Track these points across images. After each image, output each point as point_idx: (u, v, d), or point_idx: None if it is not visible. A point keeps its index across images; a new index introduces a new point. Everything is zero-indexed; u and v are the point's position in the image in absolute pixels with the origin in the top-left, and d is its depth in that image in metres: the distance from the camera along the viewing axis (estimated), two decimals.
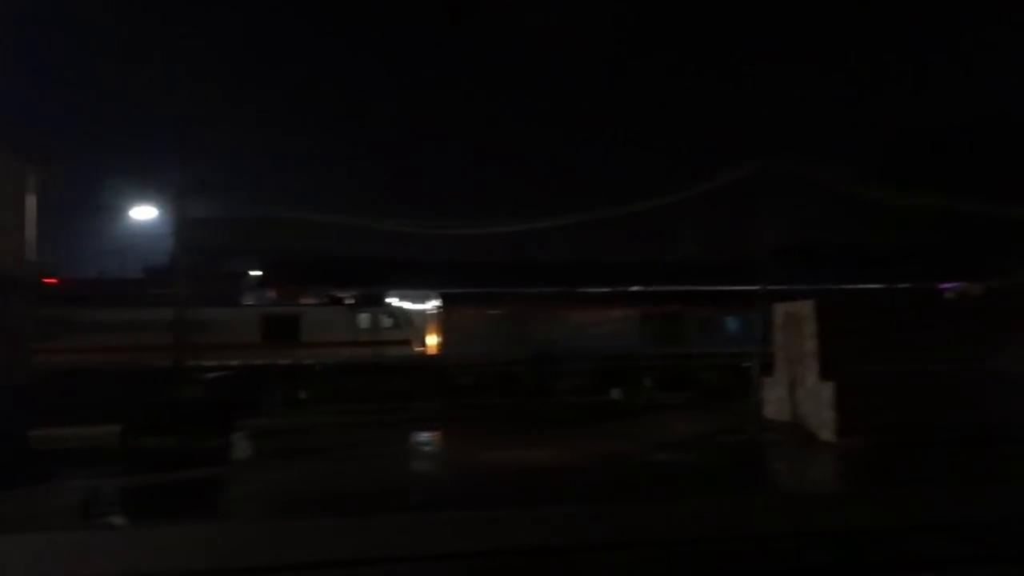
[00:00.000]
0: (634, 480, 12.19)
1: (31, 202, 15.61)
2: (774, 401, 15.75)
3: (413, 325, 26.09)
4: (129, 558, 8.08)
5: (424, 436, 17.40)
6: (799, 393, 15.05)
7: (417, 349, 25.60)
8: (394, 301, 26.66)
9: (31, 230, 15.61)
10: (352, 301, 25.81)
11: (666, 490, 11.58)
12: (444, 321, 25.64)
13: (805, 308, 15.16)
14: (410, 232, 16.55)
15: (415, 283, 28.11)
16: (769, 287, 15.78)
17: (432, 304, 26.66)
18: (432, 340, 26.24)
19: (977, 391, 14.46)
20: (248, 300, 27.36)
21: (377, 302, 25.76)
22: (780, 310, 15.93)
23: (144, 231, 22.77)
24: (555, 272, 29.47)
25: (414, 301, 28.10)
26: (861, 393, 14.18)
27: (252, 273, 29.04)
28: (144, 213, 20.78)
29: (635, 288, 29.28)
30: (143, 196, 20.31)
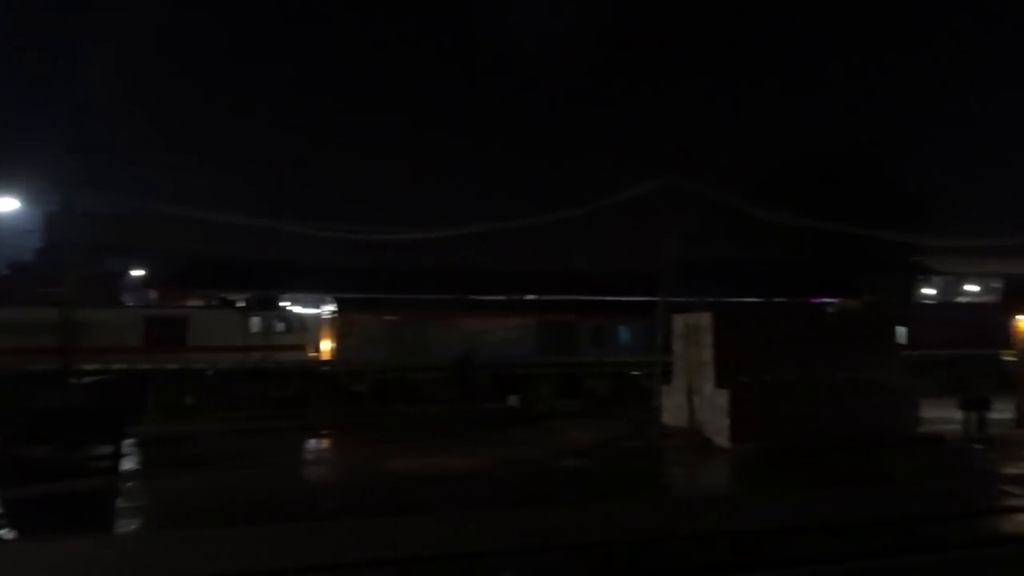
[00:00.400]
0: (542, 486, 12.35)
1: None
2: (672, 408, 16.27)
3: (307, 330, 25.47)
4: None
5: (322, 444, 17.01)
6: (696, 400, 15.61)
7: (311, 354, 25.01)
8: (287, 305, 26.00)
9: None
10: (243, 304, 25.02)
11: (574, 495, 11.76)
12: (339, 326, 25.13)
13: (703, 319, 15.77)
14: (308, 235, 16.05)
15: (309, 287, 27.47)
16: (668, 299, 16.31)
17: (327, 309, 26.10)
18: (326, 345, 25.70)
19: (854, 399, 15.45)
20: (129, 301, 26.01)
21: (270, 305, 25.00)
22: (679, 321, 16.50)
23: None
24: (452, 280, 29.42)
25: (308, 305, 27.42)
26: (753, 401, 14.88)
27: (134, 273, 27.70)
28: (4, 205, 19.36)
29: (530, 297, 29.58)
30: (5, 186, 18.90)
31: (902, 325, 17.26)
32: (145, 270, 27.98)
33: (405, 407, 22.98)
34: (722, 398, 14.94)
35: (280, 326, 24.52)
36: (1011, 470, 13.01)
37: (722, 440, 14.81)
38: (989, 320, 27.58)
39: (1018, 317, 16.79)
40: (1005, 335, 26.49)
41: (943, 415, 16.85)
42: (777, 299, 27.77)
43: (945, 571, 8.28)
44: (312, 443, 17.15)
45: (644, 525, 9.84)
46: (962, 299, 35.77)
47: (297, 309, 26.14)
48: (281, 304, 25.59)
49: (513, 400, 23.61)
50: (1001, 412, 16.51)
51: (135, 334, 22.45)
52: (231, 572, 7.68)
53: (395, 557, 8.32)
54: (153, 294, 27.99)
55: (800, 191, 29.49)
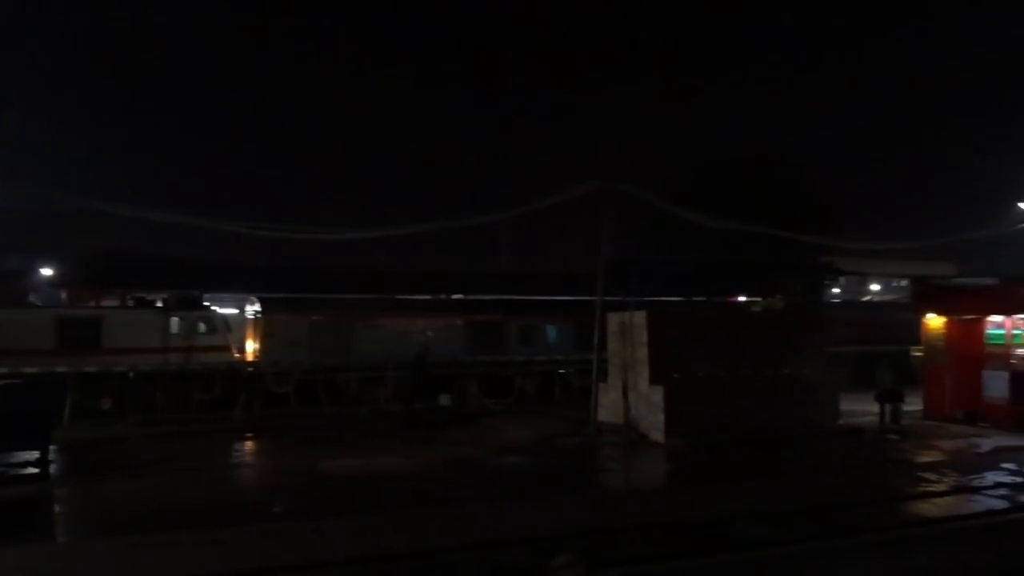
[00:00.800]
0: (486, 484, 12.45)
1: None
2: (608, 405, 16.61)
3: (230, 330, 24.85)
4: None
5: (254, 447, 16.66)
6: (632, 397, 15.99)
7: (234, 356, 24.40)
8: (210, 305, 25.29)
9: None
10: (161, 304, 24.22)
11: (519, 492, 11.91)
12: (263, 327, 24.59)
13: (638, 318, 16.16)
14: (246, 234, 15.62)
15: (231, 287, 26.78)
16: (604, 298, 16.65)
17: (251, 309, 25.50)
18: (251, 346, 25.13)
19: (779, 394, 16.15)
20: (37, 301, 24.77)
21: (191, 305, 24.27)
22: (614, 319, 16.85)
23: None
24: (378, 280, 29.19)
25: (230, 305, 26.72)
26: (687, 397, 15.37)
27: (43, 272, 26.36)
28: None
29: (457, 296, 29.63)
30: None
31: (821, 323, 18.05)
32: (53, 269, 26.66)
33: (332, 408, 22.70)
34: (657, 395, 15.36)
35: (202, 326, 23.87)
36: (924, 458, 13.86)
37: (657, 435, 15.23)
38: (899, 318, 29.22)
39: (926, 316, 17.76)
40: (914, 332, 28.18)
41: (860, 408, 17.79)
42: (696, 298, 28.69)
43: (863, 553, 8.77)
44: (243, 446, 16.74)
45: (592, 518, 10.11)
46: (867, 298, 37.56)
47: (219, 309, 25.47)
48: (203, 304, 24.91)
49: (444, 399, 23.60)
50: (911, 404, 17.50)
51: (46, 336, 21.49)
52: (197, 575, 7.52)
53: (357, 555, 8.32)
54: (63, 293, 26.74)
55: (714, 195, 30.51)
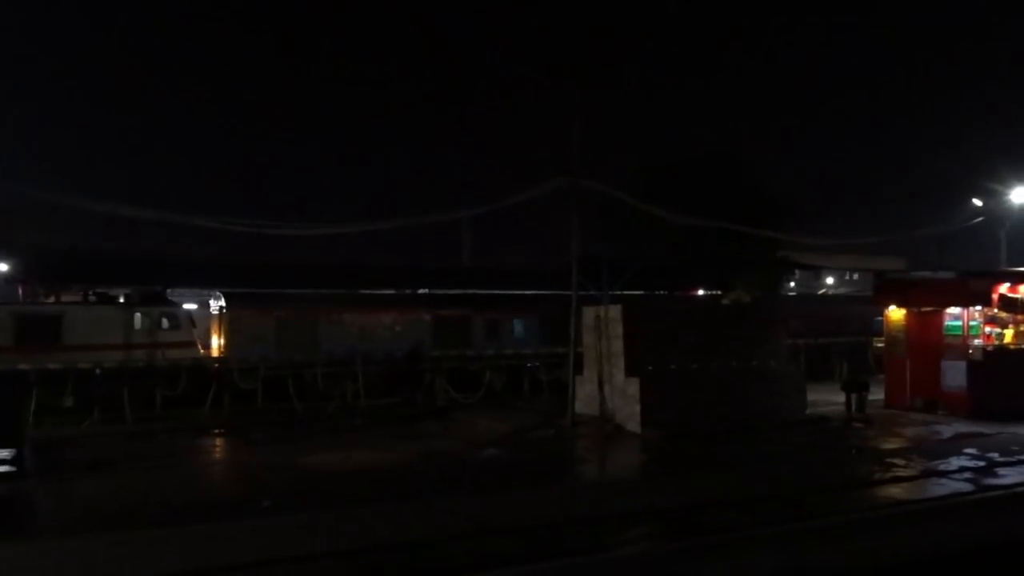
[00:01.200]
0: (468, 476, 12.58)
1: None
2: (583, 397, 16.84)
3: (194, 326, 24.55)
4: None
5: (227, 443, 16.52)
6: (607, 389, 16.25)
7: (200, 351, 24.12)
8: (174, 300, 24.94)
9: None
10: (123, 300, 23.82)
11: (502, 483, 12.05)
12: (227, 322, 24.34)
13: (614, 312, 16.42)
14: (219, 229, 15.44)
15: (195, 282, 26.42)
16: (578, 292, 16.88)
17: (215, 304, 25.20)
18: (215, 342, 24.85)
19: (749, 385, 16.57)
20: None
21: (154, 301, 23.92)
22: (590, 313, 17.08)
23: None
24: (343, 275, 29.08)
25: (193, 301, 26.36)
26: (661, 389, 15.68)
27: None
28: None
29: (423, 291, 29.66)
30: None
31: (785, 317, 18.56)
32: (9, 265, 25.98)
33: (300, 404, 22.55)
34: (633, 387, 15.64)
35: (165, 322, 23.55)
36: (890, 445, 14.37)
37: (633, 426, 15.51)
38: (851, 311, 30.12)
39: (888, 308, 18.36)
40: (867, 324, 29.07)
41: (821, 398, 18.32)
42: (657, 292, 29.11)
43: (833, 534, 9.10)
44: (218, 443, 16.60)
45: (577, 506, 10.33)
46: (821, 292, 38.59)
47: (184, 304, 25.11)
48: (166, 299, 24.55)
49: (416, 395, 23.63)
50: (873, 394, 18.09)
51: (5, 333, 21.03)
52: (191, 570, 7.51)
53: (347, 548, 8.38)
54: (18, 289, 26.09)
55: (670, 194, 31.02)
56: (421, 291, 29.47)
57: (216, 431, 18.09)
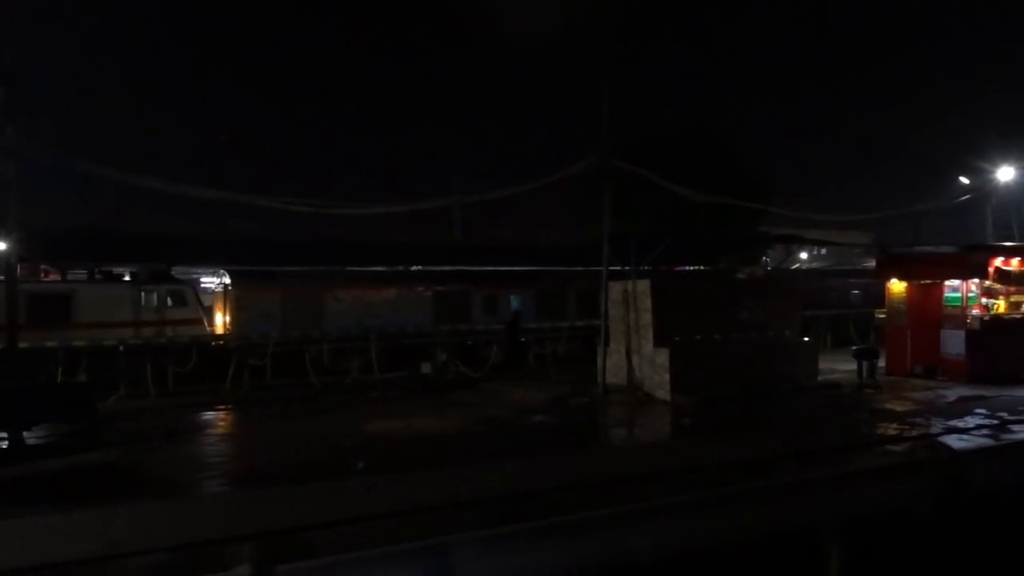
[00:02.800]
0: (531, 439, 13.32)
1: None
2: (610, 368, 17.66)
3: (201, 303, 24.69)
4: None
5: (273, 414, 16.87)
6: (635, 359, 17.11)
7: (208, 328, 24.28)
8: (180, 278, 24.99)
9: None
10: (130, 278, 23.85)
11: (565, 444, 12.83)
12: (234, 299, 24.52)
13: (642, 286, 17.25)
14: (265, 207, 15.62)
15: (200, 259, 26.47)
16: (608, 268, 17.65)
17: (221, 281, 25.32)
18: (220, 319, 25.00)
19: (766, 354, 17.61)
20: None
21: (161, 279, 23.99)
22: (616, 288, 17.86)
23: None
24: (346, 251, 29.39)
25: (201, 278, 26.42)
26: (687, 358, 16.60)
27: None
28: None
29: (417, 268, 30.07)
30: None
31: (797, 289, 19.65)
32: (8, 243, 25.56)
33: (316, 379, 22.93)
34: (662, 356, 16.52)
35: (174, 300, 23.66)
36: (905, 407, 15.53)
37: (663, 394, 16.42)
38: (829, 284, 31.61)
39: (889, 281, 19.57)
40: (843, 296, 30.57)
41: (832, 366, 19.52)
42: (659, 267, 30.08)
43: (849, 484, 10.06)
44: (263, 415, 16.93)
45: (644, 462, 11.12)
46: (795, 266, 40.09)
47: (191, 282, 25.16)
48: (173, 277, 24.60)
49: (426, 367, 24.20)
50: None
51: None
52: (352, 517, 7.91)
53: (467, 499, 8.97)
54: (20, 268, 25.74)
55: (658, 167, 31.99)
56: (419, 267, 29.86)
57: (247, 405, 18.43)
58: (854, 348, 18.55)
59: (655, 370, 16.71)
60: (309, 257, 27.88)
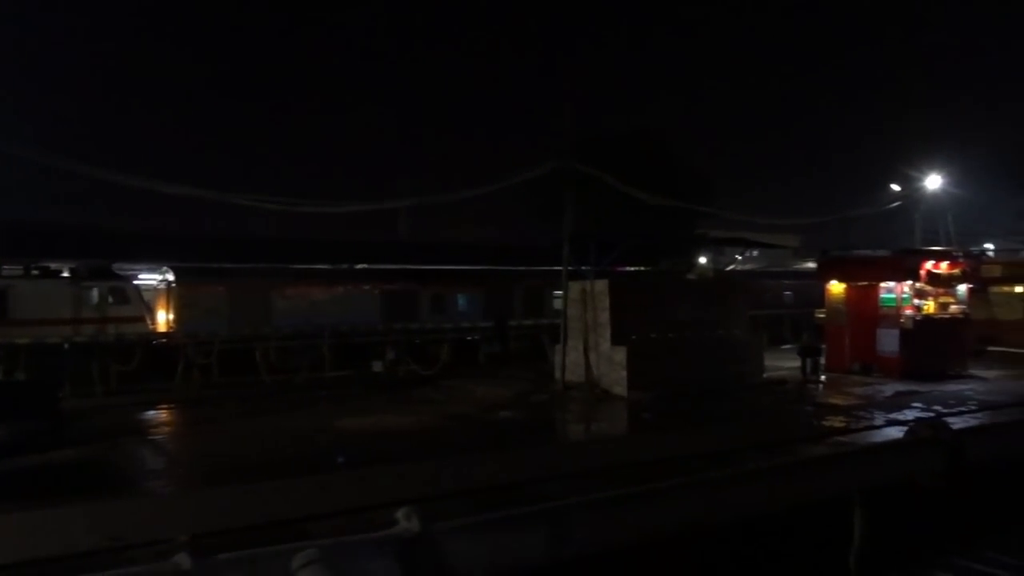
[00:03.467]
0: (502, 434, 13.63)
1: None
2: (568, 365, 18.10)
3: (143, 301, 24.14)
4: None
5: (236, 412, 16.71)
6: (593, 357, 17.59)
7: (151, 326, 23.78)
8: (122, 274, 24.36)
9: None
10: (69, 274, 23.15)
11: (535, 439, 13.21)
12: (178, 297, 24.08)
13: (600, 285, 17.76)
14: (243, 205, 15.32)
15: (142, 256, 25.83)
16: (568, 268, 18.08)
17: (164, 278, 24.80)
18: (167, 316, 24.48)
19: (715, 352, 18.36)
20: None
21: (103, 275, 23.38)
22: (575, 287, 18.30)
23: None
24: (292, 249, 29.10)
25: (144, 274, 25.75)
26: (643, 356, 17.18)
27: None
28: None
29: (362, 266, 29.99)
30: None
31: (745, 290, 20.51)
32: None
33: (268, 376, 22.74)
34: (620, 354, 17.05)
35: (116, 297, 23.09)
36: (848, 402, 16.43)
37: (620, 390, 16.94)
38: (761, 285, 32.86)
39: (829, 282, 20.59)
40: (775, 297, 31.85)
41: (774, 363, 20.41)
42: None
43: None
44: (223, 412, 16.73)
45: (612, 455, 11.61)
46: (729, 267, 41.41)
47: (133, 278, 24.54)
48: (115, 273, 23.96)
49: (377, 366, 24.23)
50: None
51: None
52: (341, 510, 8.07)
53: (454, 490, 9.19)
54: None
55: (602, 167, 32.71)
56: (361, 266, 29.76)
57: (201, 403, 18.19)
58: (799, 346, 19.46)
59: (613, 367, 17.23)
60: (255, 254, 27.55)
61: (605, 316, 17.48)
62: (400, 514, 4.54)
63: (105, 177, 12.92)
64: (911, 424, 11.72)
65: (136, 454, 11.76)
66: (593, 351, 17.66)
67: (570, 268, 17.86)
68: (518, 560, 4.66)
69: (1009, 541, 10.09)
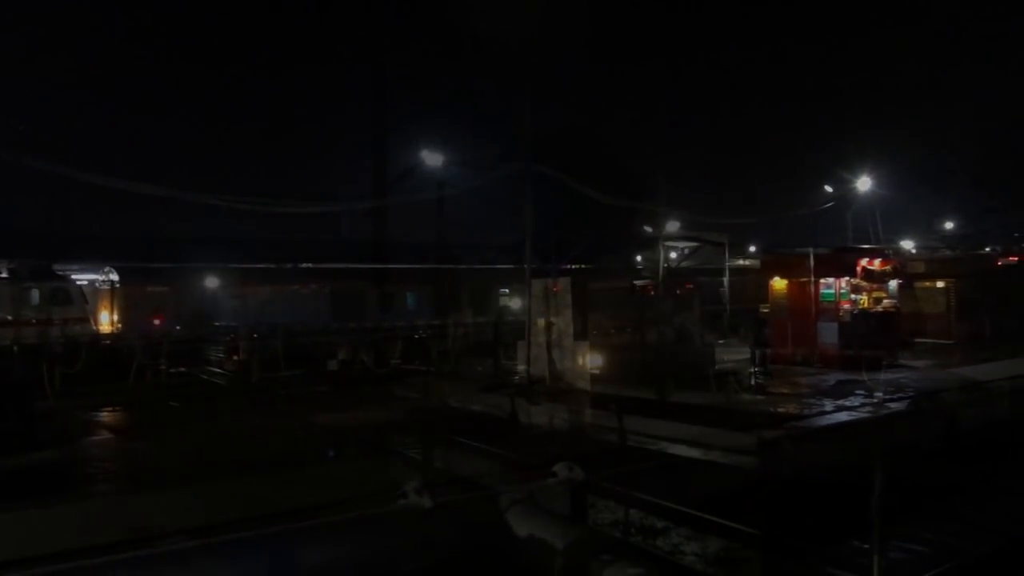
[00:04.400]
0: (471, 425, 14.03)
1: None
2: (532, 360, 18.60)
3: (87, 301, 23.59)
4: None
5: (206, 410, 16.59)
6: (556, 353, 18.15)
7: (94, 327, 23.28)
8: (65, 275, 23.75)
9: None
10: (8, 274, 22.48)
11: (509, 428, 13.66)
12: (122, 297, 23.69)
13: (563, 283, 18.32)
14: (212, 204, 15.06)
15: (85, 256, 25.19)
16: (531, 266, 18.58)
17: (107, 279, 24.30)
18: (110, 317, 24.01)
19: (671, 347, 19.15)
20: None
21: (44, 275, 22.77)
22: (538, 285, 18.82)
23: None
24: (238, 248, 28.76)
25: (86, 275, 25.11)
26: (604, 351, 17.84)
27: None
28: None
29: (307, 265, 29.91)
30: None
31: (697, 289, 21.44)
32: None
33: (221, 379, 22.56)
34: (581, 349, 17.66)
35: (58, 297, 22.53)
36: (798, 390, 17.35)
37: (584, 384, 17.52)
38: (710, 283, 34.00)
39: (773, 279, 21.66)
40: (713, 294, 33.00)
41: (722, 356, 21.34)
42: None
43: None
44: (193, 412, 16.59)
45: (601, 436, 12.22)
46: (666, 264, 42.53)
47: (76, 279, 23.94)
48: (56, 274, 23.34)
49: (332, 364, 24.20)
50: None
51: None
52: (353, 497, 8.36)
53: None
54: None
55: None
56: (307, 264, 29.68)
57: (170, 402, 17.98)
58: (752, 338, 20.42)
59: (575, 363, 17.81)
60: (202, 254, 27.18)
61: (568, 313, 18.04)
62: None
63: (74, 176, 12.71)
64: (913, 398, 12.78)
65: (128, 455, 11.73)
66: (556, 347, 18.21)
67: (526, 266, 18.36)
68: None
69: None
